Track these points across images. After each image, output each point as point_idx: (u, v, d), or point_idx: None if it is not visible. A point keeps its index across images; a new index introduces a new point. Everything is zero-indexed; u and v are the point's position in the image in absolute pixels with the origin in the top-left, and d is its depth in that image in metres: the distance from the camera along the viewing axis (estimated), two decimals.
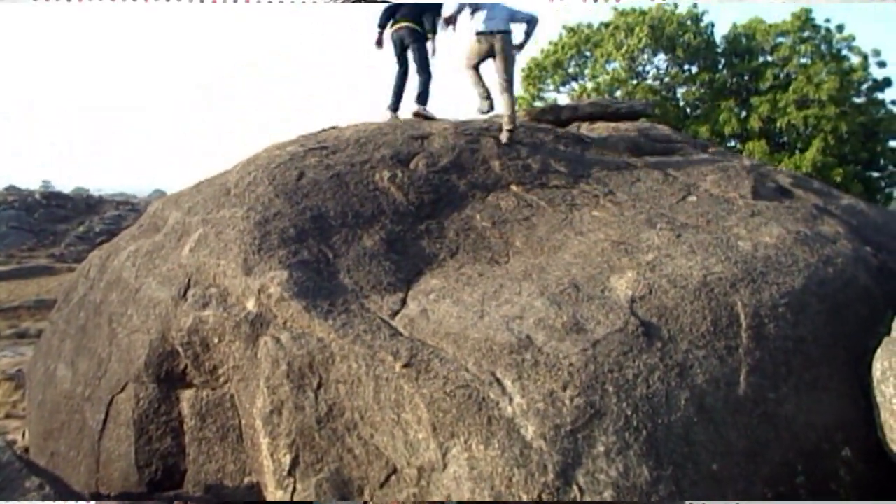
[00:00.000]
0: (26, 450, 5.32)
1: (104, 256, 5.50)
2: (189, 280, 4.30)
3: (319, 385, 3.52)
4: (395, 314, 3.84)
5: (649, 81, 20.57)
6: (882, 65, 19.21)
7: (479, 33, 6.30)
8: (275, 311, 3.87)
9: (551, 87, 21.35)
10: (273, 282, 3.99)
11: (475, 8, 6.43)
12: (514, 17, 6.40)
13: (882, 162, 19.45)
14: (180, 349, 4.06)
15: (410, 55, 7.05)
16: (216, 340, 3.96)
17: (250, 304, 3.96)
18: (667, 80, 20.82)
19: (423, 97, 7.03)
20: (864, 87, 19.29)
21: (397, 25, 7.01)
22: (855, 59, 19.17)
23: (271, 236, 4.40)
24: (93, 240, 23.64)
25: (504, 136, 5.95)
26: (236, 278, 4.12)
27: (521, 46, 6.53)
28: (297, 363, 3.60)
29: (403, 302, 3.97)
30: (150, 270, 4.64)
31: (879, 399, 3.54)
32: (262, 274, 4.08)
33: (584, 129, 6.95)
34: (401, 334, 3.63)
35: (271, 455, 3.52)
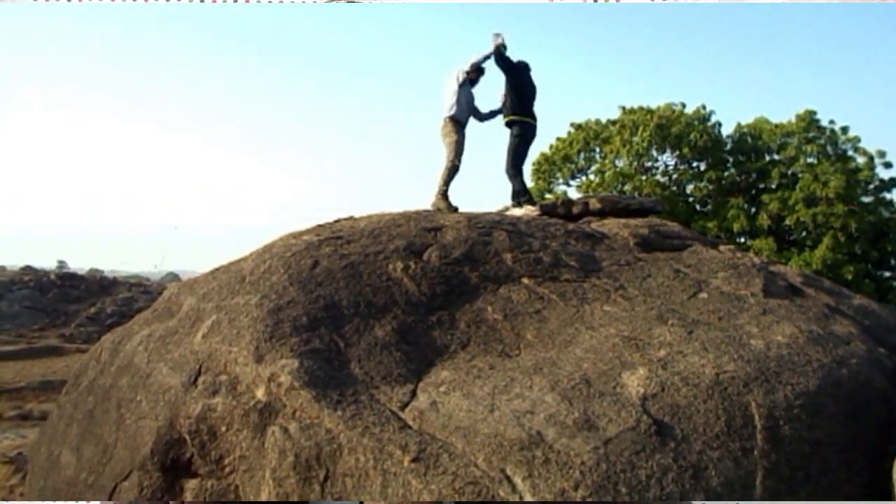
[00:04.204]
0: None
1: (117, 340, 5.53)
2: (200, 367, 4.31)
3: (326, 478, 3.46)
4: (404, 406, 3.81)
5: (658, 177, 20.97)
6: (888, 165, 19.55)
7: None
8: (284, 401, 3.85)
9: (561, 181, 21.80)
10: (284, 370, 3.99)
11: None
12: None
13: (892, 262, 19.46)
14: (187, 437, 4.02)
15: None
16: (224, 429, 3.93)
17: (260, 393, 3.95)
18: (675, 176, 21.23)
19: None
20: (871, 186, 19.56)
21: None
22: (861, 160, 19.53)
23: (284, 324, 4.43)
24: (104, 321, 23.68)
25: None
26: (247, 366, 4.13)
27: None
28: (304, 454, 3.55)
29: (413, 393, 3.95)
30: (162, 356, 4.66)
31: None
32: (273, 362, 4.09)
33: (595, 224, 7.05)
34: (410, 427, 3.59)
35: None
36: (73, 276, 30.51)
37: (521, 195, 7.92)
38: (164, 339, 4.86)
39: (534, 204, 7.84)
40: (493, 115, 8.13)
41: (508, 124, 7.84)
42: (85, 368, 5.69)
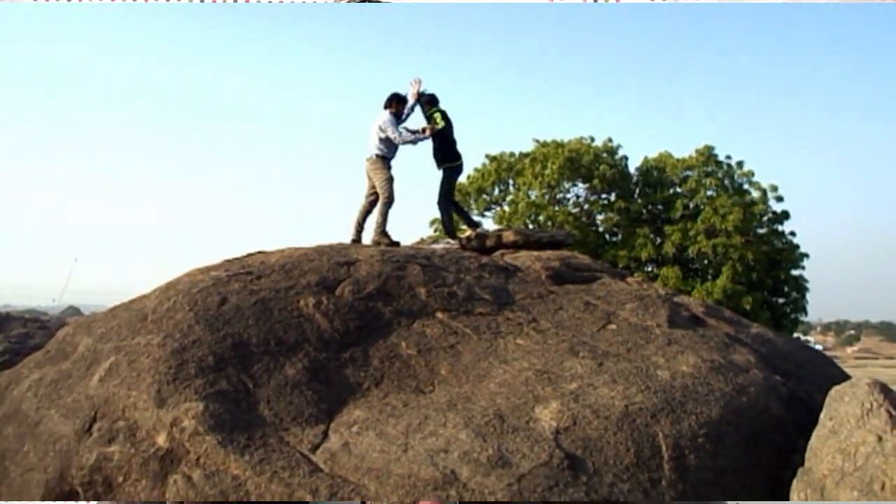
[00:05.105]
0: None
1: (3, 385, 5.13)
2: (96, 412, 4.04)
3: None
4: (315, 448, 3.69)
5: (570, 208, 21.58)
6: (780, 199, 20.82)
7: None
8: (187, 447, 3.66)
9: (475, 213, 22.06)
10: (187, 414, 3.80)
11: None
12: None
13: (786, 289, 20.68)
14: (80, 489, 3.74)
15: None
16: (121, 479, 3.68)
17: (161, 439, 3.74)
18: (586, 206, 21.90)
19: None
20: (766, 218, 20.77)
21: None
22: (756, 193, 20.74)
23: (188, 365, 4.23)
24: None
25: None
26: (147, 411, 3.91)
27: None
28: None
29: (325, 434, 3.84)
30: (54, 402, 4.35)
31: None
32: (175, 406, 3.88)
33: (508, 257, 7.15)
34: (321, 470, 3.48)
35: None
36: None
37: (446, 226, 8.40)
38: (56, 384, 4.55)
39: (454, 237, 8.09)
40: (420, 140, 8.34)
41: (444, 169, 8.21)
42: None
